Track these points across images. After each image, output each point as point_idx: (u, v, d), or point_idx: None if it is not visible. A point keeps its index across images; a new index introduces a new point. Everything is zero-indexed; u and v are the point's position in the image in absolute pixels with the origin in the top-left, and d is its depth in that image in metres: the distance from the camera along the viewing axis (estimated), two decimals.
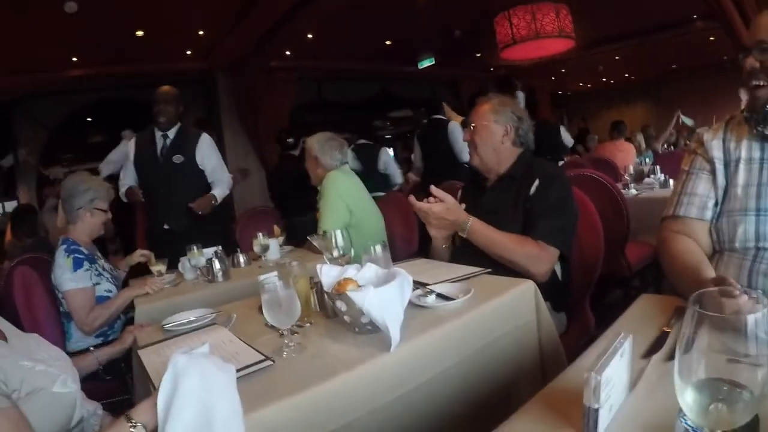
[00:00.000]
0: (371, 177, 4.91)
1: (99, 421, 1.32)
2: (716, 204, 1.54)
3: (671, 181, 4.29)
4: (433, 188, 2.12)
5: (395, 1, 6.76)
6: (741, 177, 1.48)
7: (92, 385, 1.40)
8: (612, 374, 0.82)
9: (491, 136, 2.23)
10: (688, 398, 0.64)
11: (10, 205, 8.00)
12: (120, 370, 2.25)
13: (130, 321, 2.61)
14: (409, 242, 3.83)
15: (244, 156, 8.64)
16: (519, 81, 6.05)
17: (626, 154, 5.89)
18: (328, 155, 3.18)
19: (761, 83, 1.39)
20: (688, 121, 7.90)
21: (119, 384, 2.27)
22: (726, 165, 1.52)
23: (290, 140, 5.28)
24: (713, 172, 1.54)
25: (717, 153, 1.54)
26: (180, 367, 1.02)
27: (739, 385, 0.62)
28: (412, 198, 2.15)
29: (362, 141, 5.67)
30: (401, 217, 3.95)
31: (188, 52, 7.81)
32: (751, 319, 0.60)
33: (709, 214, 1.54)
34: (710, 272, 1.36)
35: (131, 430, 1.04)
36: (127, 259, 3.05)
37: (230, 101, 8.56)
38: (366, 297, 1.31)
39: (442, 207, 2.08)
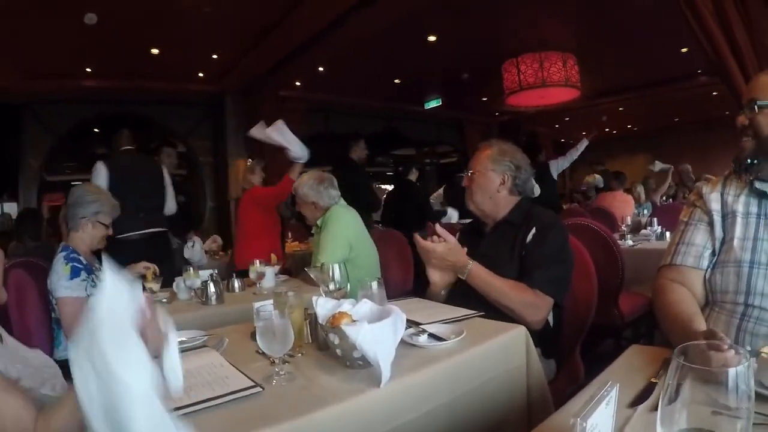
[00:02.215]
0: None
1: None
2: (713, 254, 1.57)
3: (668, 234, 4.32)
4: (438, 227, 2.15)
5: (407, 40, 6.88)
6: (738, 230, 1.51)
7: None
8: (597, 421, 0.83)
9: (488, 183, 2.25)
10: None
11: (9, 206, 8.00)
12: None
13: None
14: (404, 282, 3.84)
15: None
16: (522, 126, 6.20)
17: (625, 205, 5.92)
18: (325, 196, 3.25)
19: (748, 139, 1.48)
20: (662, 167, 7.90)
21: None
22: (724, 217, 1.56)
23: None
24: (711, 224, 1.58)
25: (715, 206, 1.58)
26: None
27: None
28: (417, 236, 2.18)
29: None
30: (398, 256, 3.97)
31: (200, 74, 7.93)
32: (732, 372, 0.62)
33: (705, 263, 1.57)
34: (701, 325, 1.38)
35: None
36: (129, 270, 3.03)
37: (237, 127, 8.63)
38: (360, 332, 1.31)
39: (444, 247, 2.10)
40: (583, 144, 7.28)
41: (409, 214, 5.96)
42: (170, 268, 3.64)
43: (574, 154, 7.21)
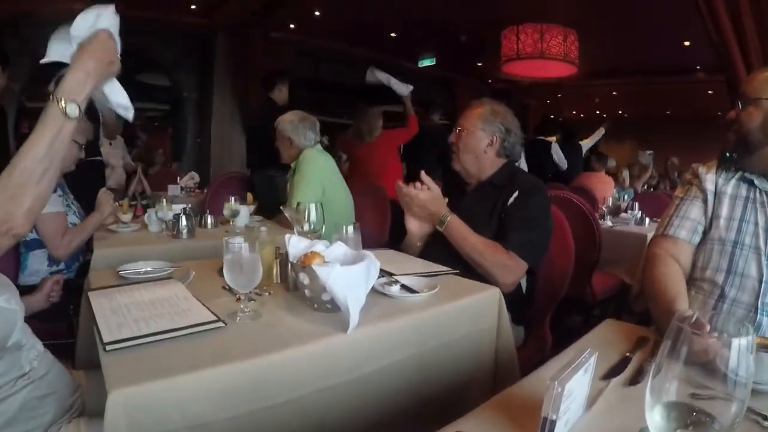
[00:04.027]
0: None
1: (39, 356, 1.27)
2: (704, 231, 1.59)
3: (647, 220, 4.33)
4: (423, 175, 2.11)
5: None
6: (725, 210, 1.54)
7: (37, 325, 1.35)
8: (574, 387, 0.80)
9: (475, 143, 2.21)
10: (656, 417, 0.62)
11: None
12: (67, 313, 2.18)
13: (86, 264, 2.53)
14: (379, 234, 3.79)
15: (228, 121, 8.52)
16: (514, 95, 6.17)
17: (606, 186, 5.92)
18: (302, 135, 3.20)
19: (732, 133, 1.54)
20: (644, 159, 7.98)
21: (66, 327, 2.20)
22: (716, 196, 1.58)
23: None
24: (705, 201, 1.60)
25: (710, 186, 1.60)
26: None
27: (709, 415, 0.59)
28: (399, 182, 2.15)
29: None
30: (375, 209, 3.92)
31: (193, 6, 7.66)
32: (734, 351, 0.58)
33: (697, 239, 1.60)
34: (684, 305, 1.39)
35: (62, 110, 1.08)
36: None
37: (225, 65, 8.44)
38: (331, 274, 1.27)
39: (428, 195, 2.08)
40: (600, 133, 7.39)
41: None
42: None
43: (590, 143, 7.33)
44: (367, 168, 4.90)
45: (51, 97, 1.09)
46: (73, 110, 1.09)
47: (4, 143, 4.38)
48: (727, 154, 1.55)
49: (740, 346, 0.59)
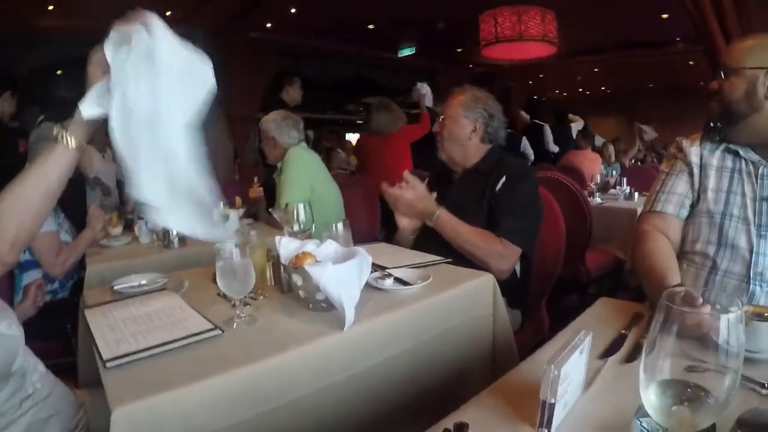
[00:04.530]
0: None
1: (41, 377, 1.26)
2: (692, 205, 1.60)
3: (636, 194, 4.36)
4: (406, 174, 2.10)
5: None
6: (712, 182, 1.55)
7: (35, 344, 1.34)
8: (570, 370, 0.80)
9: (459, 130, 2.20)
10: (651, 395, 0.62)
11: None
12: (65, 332, 2.18)
13: (80, 281, 2.53)
14: (370, 228, 3.80)
15: (213, 125, 8.45)
16: (496, 80, 6.19)
17: (593, 164, 5.94)
18: (285, 134, 3.18)
19: (716, 104, 1.54)
20: (649, 135, 8.08)
21: (63, 346, 2.19)
22: (701, 169, 1.59)
23: None
24: (691, 174, 1.60)
25: (695, 159, 1.60)
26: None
27: (704, 390, 0.60)
28: (384, 184, 2.14)
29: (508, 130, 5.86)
30: (364, 202, 3.92)
31: (168, 13, 7.59)
32: (723, 325, 0.59)
33: (684, 212, 1.61)
34: (675, 280, 1.39)
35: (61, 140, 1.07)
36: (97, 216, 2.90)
37: None
38: (324, 273, 1.27)
39: (412, 194, 2.08)
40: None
41: None
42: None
43: (579, 125, 7.54)
44: (382, 159, 4.89)
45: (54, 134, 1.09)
46: (73, 140, 1.09)
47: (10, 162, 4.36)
48: (712, 125, 1.55)
49: (729, 319, 0.59)
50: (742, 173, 1.51)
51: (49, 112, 4.25)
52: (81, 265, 2.57)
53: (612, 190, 4.78)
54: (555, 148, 7.26)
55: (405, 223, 2.19)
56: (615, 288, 3.82)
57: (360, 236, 1.90)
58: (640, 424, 0.73)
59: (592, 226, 3.32)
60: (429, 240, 2.10)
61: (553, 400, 0.77)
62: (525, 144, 7.06)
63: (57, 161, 1.10)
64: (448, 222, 2.03)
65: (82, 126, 1.12)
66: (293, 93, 5.18)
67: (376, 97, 5.67)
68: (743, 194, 1.49)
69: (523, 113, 7.98)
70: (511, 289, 2.03)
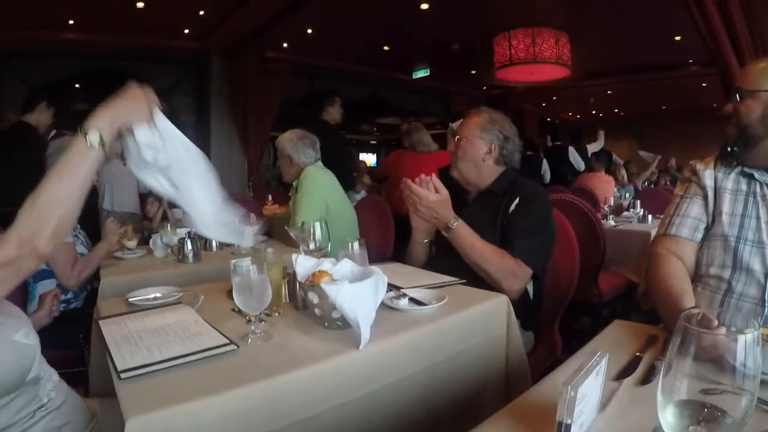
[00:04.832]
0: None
1: (55, 386, 1.28)
2: (707, 228, 1.59)
3: (650, 217, 4.34)
4: (434, 178, 2.10)
5: (399, 5, 6.76)
6: (726, 205, 1.54)
7: (48, 354, 1.36)
8: (587, 391, 0.80)
9: (474, 151, 2.21)
10: (669, 416, 0.63)
11: None
12: (77, 342, 2.19)
13: (94, 292, 2.54)
14: (383, 248, 3.80)
15: (227, 143, 8.55)
16: (510, 101, 6.28)
17: (607, 186, 5.94)
18: (302, 153, 3.20)
19: (731, 127, 1.53)
20: (647, 156, 8.10)
21: (75, 355, 2.20)
22: (716, 193, 1.58)
23: None
24: (705, 198, 1.60)
25: (709, 182, 1.60)
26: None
27: (720, 411, 0.60)
28: (407, 180, 2.11)
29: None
30: (378, 222, 3.93)
31: (186, 31, 7.72)
32: (740, 345, 0.59)
33: (699, 236, 1.59)
34: (691, 303, 1.39)
35: (84, 138, 1.12)
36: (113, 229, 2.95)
37: (221, 87, 8.47)
38: (340, 291, 1.28)
39: (436, 197, 2.06)
40: (602, 135, 7.80)
41: None
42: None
43: (596, 147, 7.67)
44: (413, 176, 4.93)
45: (78, 129, 1.13)
46: (95, 137, 1.12)
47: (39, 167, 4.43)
48: (729, 149, 1.54)
49: (746, 340, 0.59)
50: (757, 196, 1.50)
51: (66, 124, 4.31)
52: (95, 276, 2.59)
53: (625, 213, 4.76)
54: (582, 166, 7.31)
55: (419, 226, 2.20)
56: (627, 311, 3.79)
57: (373, 256, 1.91)
58: None
59: (606, 249, 3.31)
60: (443, 258, 2.11)
61: (569, 421, 0.77)
62: (545, 167, 7.15)
63: (93, 161, 1.14)
64: (464, 234, 2.02)
65: (113, 132, 1.18)
66: (334, 113, 5.25)
67: (390, 118, 5.76)
68: (758, 218, 1.48)
69: (548, 138, 8.07)
70: (525, 310, 2.03)
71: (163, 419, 0.99)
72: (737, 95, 1.50)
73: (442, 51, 9.06)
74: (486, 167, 2.22)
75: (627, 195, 6.03)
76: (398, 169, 5.08)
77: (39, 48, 7.38)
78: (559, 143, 7.68)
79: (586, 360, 0.86)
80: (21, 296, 2.47)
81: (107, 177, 4.78)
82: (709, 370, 0.61)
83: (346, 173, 5.00)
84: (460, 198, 2.31)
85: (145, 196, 5.05)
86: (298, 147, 3.19)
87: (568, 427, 0.77)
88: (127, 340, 1.34)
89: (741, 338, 0.60)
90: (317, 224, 1.85)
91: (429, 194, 2.06)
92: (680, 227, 1.60)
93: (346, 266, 1.53)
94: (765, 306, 1.43)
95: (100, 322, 1.53)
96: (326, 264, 1.52)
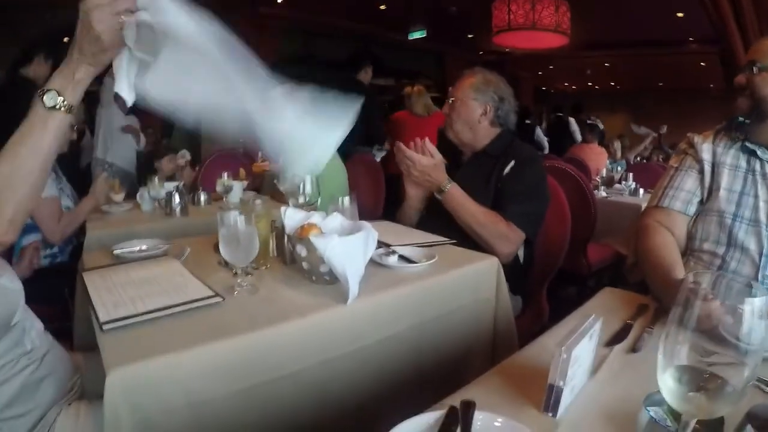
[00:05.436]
0: None
1: (39, 334, 1.25)
2: (701, 202, 1.57)
3: (641, 190, 4.33)
4: (427, 142, 2.08)
5: None
6: (725, 181, 1.51)
7: (33, 308, 1.33)
8: (580, 354, 0.79)
9: (469, 113, 2.18)
10: (668, 379, 0.61)
11: None
12: (62, 297, 2.17)
13: (80, 246, 2.51)
14: (374, 207, 3.77)
15: None
16: (506, 68, 6.27)
17: (599, 158, 5.91)
18: None
19: (743, 99, 1.48)
20: (639, 131, 8.10)
21: (61, 310, 2.18)
22: (713, 167, 1.56)
23: None
24: (701, 171, 1.57)
25: (707, 155, 1.57)
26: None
27: (721, 378, 0.59)
28: (400, 144, 2.10)
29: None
30: (369, 180, 3.90)
31: None
32: (749, 304, 0.57)
33: (692, 209, 1.57)
34: (681, 273, 1.37)
35: (41, 100, 1.00)
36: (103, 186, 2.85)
37: None
38: (329, 245, 1.25)
39: (429, 161, 2.05)
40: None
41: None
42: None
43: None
44: (414, 137, 4.95)
45: (36, 94, 1.01)
46: (51, 99, 1.01)
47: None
48: (741, 120, 1.50)
49: (753, 309, 0.57)
50: (757, 174, 1.48)
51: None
52: (81, 230, 2.56)
53: (617, 185, 4.75)
54: (580, 138, 7.41)
55: (413, 192, 2.17)
56: (614, 283, 3.78)
57: (363, 215, 1.89)
58: (649, 413, 0.72)
59: (597, 219, 3.30)
60: (433, 219, 2.08)
61: (561, 384, 0.75)
62: (539, 133, 7.15)
63: (55, 129, 1.03)
64: (456, 197, 2.01)
65: (77, 87, 1.05)
66: (367, 74, 5.39)
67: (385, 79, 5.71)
68: (756, 196, 1.46)
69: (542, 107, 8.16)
70: (514, 275, 2.02)
71: (146, 371, 0.97)
72: (755, 68, 1.45)
73: (440, 13, 8.94)
74: (481, 129, 2.18)
75: (619, 168, 6.02)
76: (402, 131, 5.12)
77: (32, 2, 7.16)
78: (561, 114, 7.66)
79: (579, 323, 0.84)
80: (6, 249, 2.43)
81: (102, 121, 4.70)
82: (710, 338, 0.60)
83: (379, 130, 5.21)
84: (455, 159, 2.29)
85: (141, 153, 4.98)
86: None
87: (560, 389, 0.75)
88: (111, 292, 1.32)
89: (749, 300, 0.58)
90: (308, 178, 1.81)
91: (422, 158, 2.05)
92: (673, 200, 1.58)
93: (336, 220, 1.51)
94: None
95: (83, 273, 1.51)
96: (316, 217, 1.49)
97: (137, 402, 0.95)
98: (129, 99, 1.08)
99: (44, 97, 1.00)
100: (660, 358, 0.62)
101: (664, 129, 8.31)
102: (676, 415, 0.67)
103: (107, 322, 1.10)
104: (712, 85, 11.60)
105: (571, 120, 7.55)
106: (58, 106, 1.01)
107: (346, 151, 4.90)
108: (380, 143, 5.56)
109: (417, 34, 10.49)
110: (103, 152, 4.71)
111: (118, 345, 1.03)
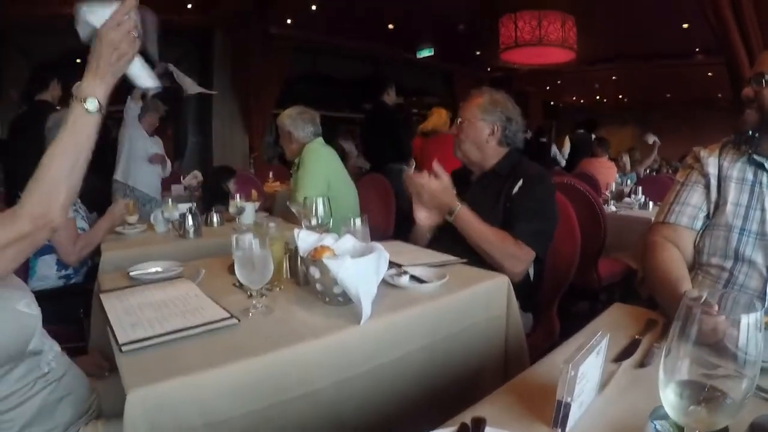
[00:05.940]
0: None
1: (56, 357, 1.28)
2: (707, 217, 1.57)
3: (651, 204, 4.33)
4: (435, 164, 2.10)
5: None
6: (731, 195, 1.51)
7: (48, 329, 1.36)
8: (587, 370, 0.81)
9: (477, 133, 2.20)
10: (670, 395, 0.63)
11: None
12: (77, 317, 2.20)
13: (94, 267, 2.55)
14: (385, 227, 3.80)
15: (230, 119, 8.52)
16: (514, 84, 6.32)
17: (609, 172, 5.92)
18: (300, 129, 3.20)
19: (751, 111, 1.47)
20: (650, 139, 8.06)
21: (75, 330, 2.21)
22: (719, 181, 1.55)
23: None
24: (707, 186, 1.57)
25: (712, 169, 1.57)
26: None
27: (720, 391, 0.61)
28: (408, 171, 2.12)
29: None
30: (379, 201, 3.93)
31: (189, 6, 7.64)
32: (743, 330, 0.59)
33: (699, 224, 1.57)
34: (689, 287, 1.38)
35: (83, 107, 1.16)
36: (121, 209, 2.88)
37: (224, 62, 8.42)
38: (342, 266, 1.28)
39: (438, 185, 2.06)
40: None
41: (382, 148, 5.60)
42: None
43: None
44: (434, 158, 4.99)
45: (73, 97, 1.17)
46: (93, 104, 1.16)
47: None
48: (750, 133, 1.48)
49: (749, 322, 0.59)
50: (764, 187, 1.47)
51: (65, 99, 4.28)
52: (96, 251, 2.59)
53: (627, 199, 4.75)
54: (563, 163, 7.53)
55: (423, 218, 2.17)
56: (625, 297, 3.79)
57: (374, 235, 1.91)
58: (655, 427, 0.73)
59: (606, 234, 3.30)
60: (444, 240, 2.10)
61: (569, 400, 0.77)
62: (555, 151, 7.20)
63: (95, 126, 1.19)
64: (466, 218, 2.02)
65: (107, 93, 1.22)
66: (391, 96, 5.56)
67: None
68: (763, 209, 1.45)
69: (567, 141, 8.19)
70: (525, 292, 2.03)
71: (164, 391, 0.99)
72: (764, 80, 1.44)
73: (448, 31, 9.00)
74: (489, 149, 2.21)
75: (629, 182, 6.01)
76: (430, 155, 5.14)
77: (39, 23, 7.29)
78: (582, 131, 7.71)
79: (587, 340, 0.86)
80: (22, 269, 2.47)
81: (125, 142, 4.75)
82: (711, 354, 0.62)
83: (403, 147, 5.27)
84: (464, 178, 2.31)
85: (169, 181, 5.01)
86: (297, 122, 3.18)
87: (568, 405, 0.77)
88: (128, 314, 1.34)
89: (744, 320, 0.60)
90: (320, 200, 1.84)
91: (430, 181, 2.06)
92: (679, 215, 1.58)
93: (348, 242, 1.53)
94: (766, 299, 1.42)
95: (101, 295, 1.54)
96: (328, 239, 1.52)
97: (156, 421, 0.97)
98: (154, 84, 1.38)
99: (86, 103, 1.16)
100: (661, 374, 0.64)
101: (650, 139, 8.26)
102: (680, 429, 0.68)
103: (126, 344, 1.13)
104: (720, 95, 11.59)
105: (553, 145, 7.69)
106: (97, 110, 1.18)
107: (379, 168, 5.00)
108: (405, 161, 5.54)
109: (425, 53, 10.57)
110: (125, 176, 4.73)
111: (137, 366, 1.06)
